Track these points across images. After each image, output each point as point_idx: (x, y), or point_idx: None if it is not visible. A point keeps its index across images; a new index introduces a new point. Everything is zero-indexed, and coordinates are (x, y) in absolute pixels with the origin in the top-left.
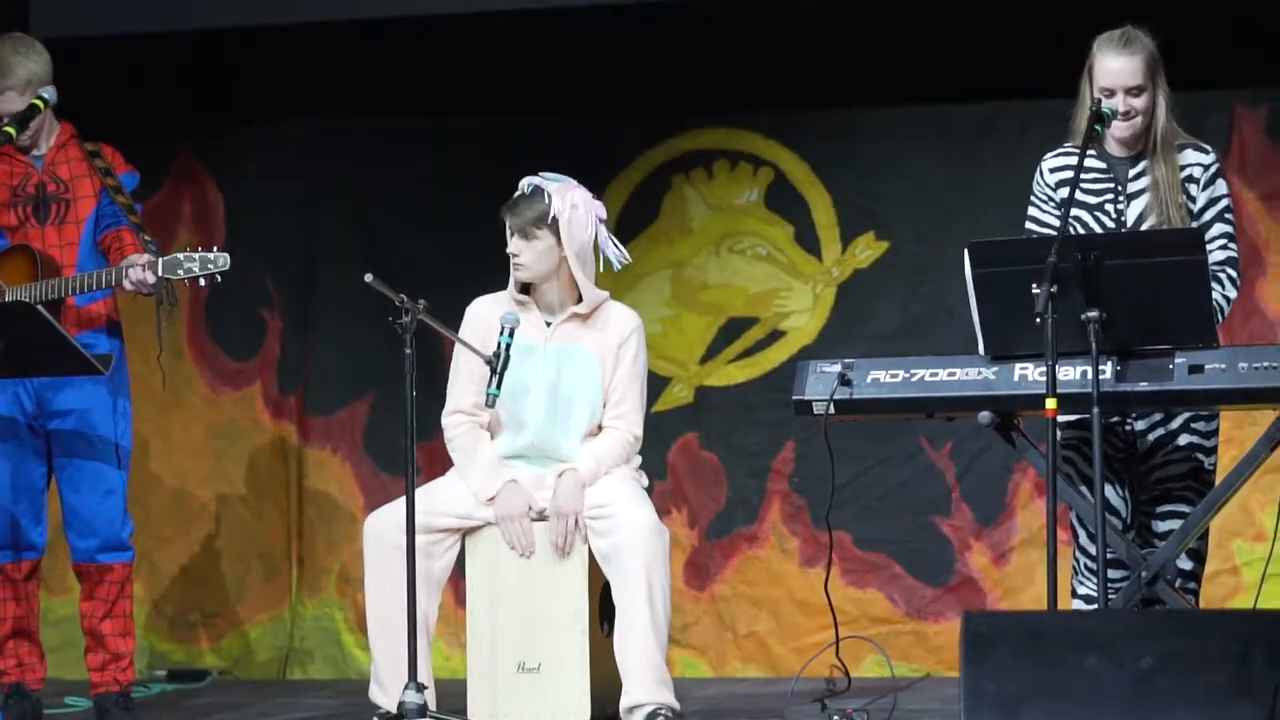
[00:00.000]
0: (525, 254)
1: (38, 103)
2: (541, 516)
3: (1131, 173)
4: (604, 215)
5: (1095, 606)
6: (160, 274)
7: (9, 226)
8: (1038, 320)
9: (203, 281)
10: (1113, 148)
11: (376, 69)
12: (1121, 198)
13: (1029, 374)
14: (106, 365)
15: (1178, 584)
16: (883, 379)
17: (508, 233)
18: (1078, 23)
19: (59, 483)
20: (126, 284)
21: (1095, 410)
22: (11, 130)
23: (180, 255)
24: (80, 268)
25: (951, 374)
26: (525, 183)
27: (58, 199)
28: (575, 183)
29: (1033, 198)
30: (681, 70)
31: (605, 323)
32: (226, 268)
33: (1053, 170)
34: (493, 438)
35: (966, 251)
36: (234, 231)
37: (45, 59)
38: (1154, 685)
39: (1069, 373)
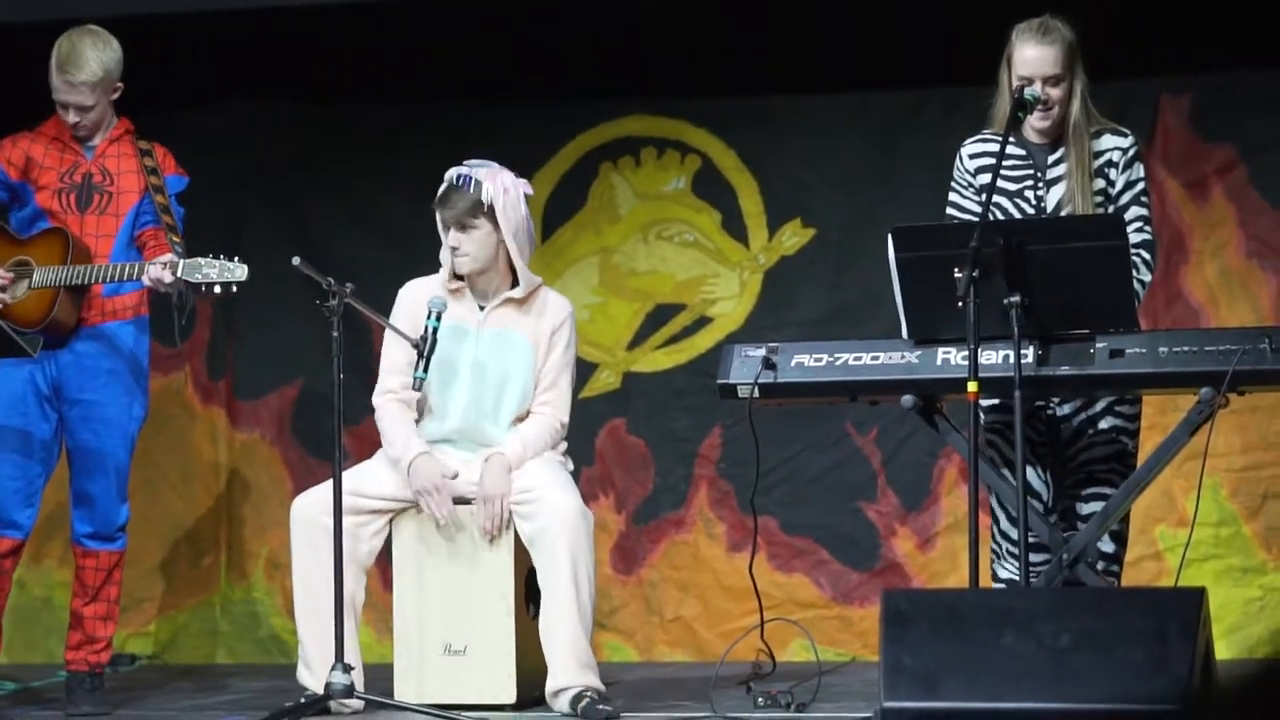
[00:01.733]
0: (465, 244)
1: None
2: (467, 500)
3: (1050, 159)
4: (530, 193)
5: None
6: (178, 275)
7: (50, 210)
8: (960, 305)
9: (218, 289)
10: (1031, 135)
11: (304, 55)
12: (1041, 184)
13: (951, 358)
14: (34, 348)
15: (1100, 567)
16: (807, 363)
17: (441, 226)
18: (1000, 10)
19: (72, 465)
20: (146, 280)
21: (1017, 394)
22: None
23: (202, 260)
24: (114, 259)
25: (875, 358)
26: (452, 173)
27: (102, 190)
28: (499, 165)
29: (953, 183)
30: (609, 57)
31: (541, 308)
32: (244, 279)
33: (972, 156)
34: (419, 422)
35: (890, 236)
36: None
37: (118, 53)
38: (1071, 662)
39: (991, 357)
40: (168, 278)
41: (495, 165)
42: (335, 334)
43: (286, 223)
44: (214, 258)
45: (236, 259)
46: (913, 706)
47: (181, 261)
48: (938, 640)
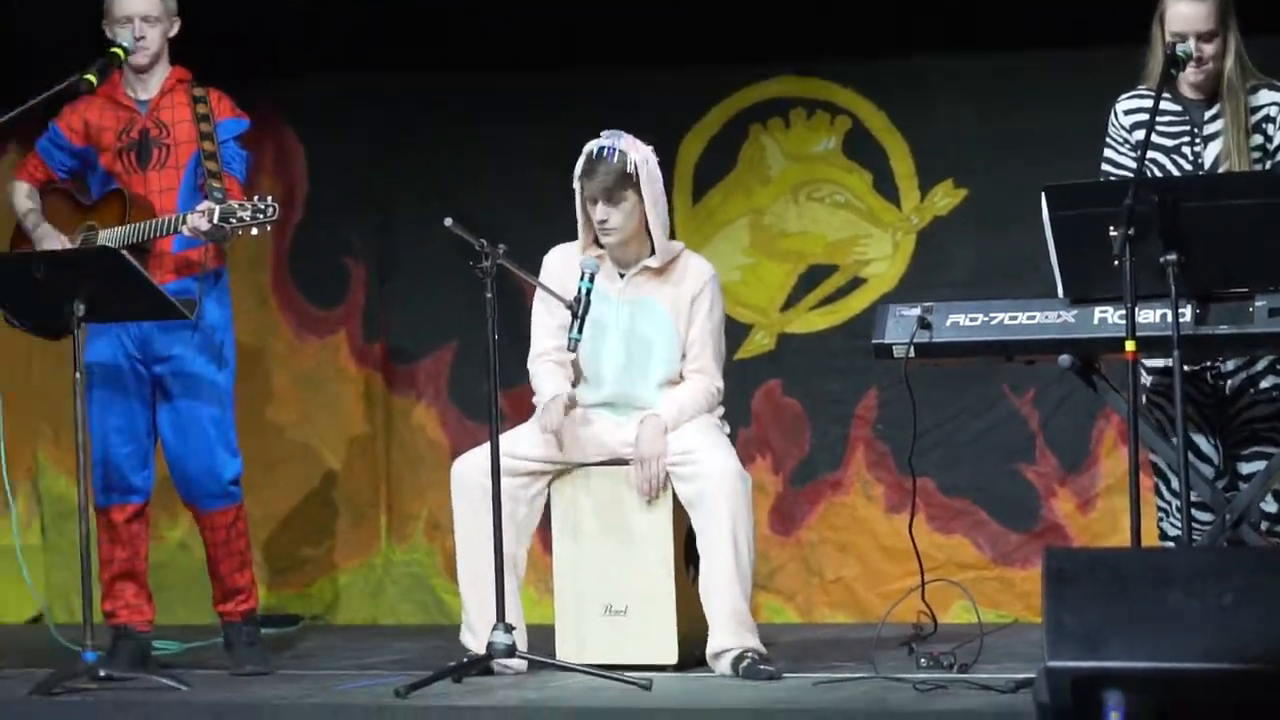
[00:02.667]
0: (613, 216)
1: (117, 51)
2: (624, 462)
3: (1207, 115)
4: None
5: None
6: (214, 221)
7: (114, 171)
8: (1115, 263)
9: (255, 231)
10: (1187, 91)
11: (453, 19)
12: (1198, 140)
13: (1109, 317)
14: (191, 310)
15: (1264, 527)
16: (962, 322)
17: (588, 199)
18: None
19: (160, 428)
20: (185, 230)
21: (1175, 353)
22: (92, 78)
23: (235, 204)
24: (179, 212)
25: (1031, 317)
26: (593, 145)
27: (159, 144)
28: (627, 134)
29: (1108, 139)
30: (758, 19)
31: (680, 276)
32: (276, 217)
33: (1127, 112)
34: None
35: (1044, 195)
36: (315, 180)
37: None
38: (1235, 621)
39: (1149, 315)
40: (204, 225)
41: (626, 133)
42: (489, 295)
43: (437, 186)
44: (246, 200)
45: (270, 198)
46: (1076, 666)
47: (217, 208)
48: (1101, 599)
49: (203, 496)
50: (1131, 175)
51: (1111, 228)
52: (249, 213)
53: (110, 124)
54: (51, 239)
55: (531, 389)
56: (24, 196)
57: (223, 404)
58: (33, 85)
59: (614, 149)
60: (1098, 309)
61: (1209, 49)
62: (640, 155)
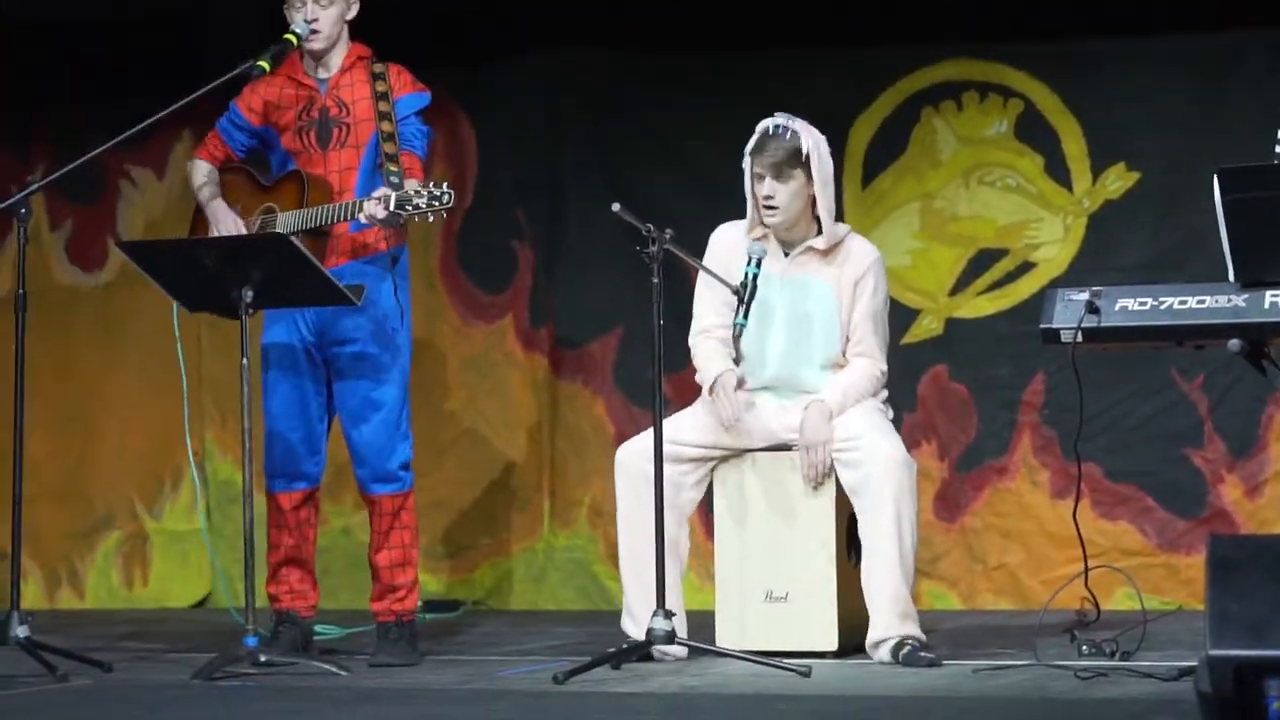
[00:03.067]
0: (780, 194)
1: (290, 38)
2: (788, 447)
3: None
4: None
5: None
6: (391, 209)
7: (294, 151)
8: None
9: (430, 218)
10: None
11: (626, 6)
12: None
13: None
14: (358, 296)
15: None
16: (1131, 307)
17: (756, 175)
18: None
19: (338, 410)
20: (361, 217)
21: None
22: (265, 64)
23: (412, 190)
24: (359, 192)
25: (1201, 301)
26: (767, 123)
27: (339, 123)
28: (802, 120)
29: None
30: (927, 1)
31: (845, 258)
32: (451, 204)
33: None
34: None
35: (1216, 177)
36: (485, 165)
37: None
38: None
39: None
40: (380, 213)
41: (803, 121)
42: (655, 280)
43: (603, 171)
44: (421, 186)
45: (446, 184)
46: (1240, 654)
47: (394, 195)
48: (1266, 587)
49: (370, 479)
50: None
51: None
52: (425, 199)
53: (290, 103)
54: (225, 217)
55: (693, 370)
56: (202, 174)
57: (397, 386)
58: (212, 68)
59: (788, 128)
60: (1269, 293)
61: None
62: (813, 139)
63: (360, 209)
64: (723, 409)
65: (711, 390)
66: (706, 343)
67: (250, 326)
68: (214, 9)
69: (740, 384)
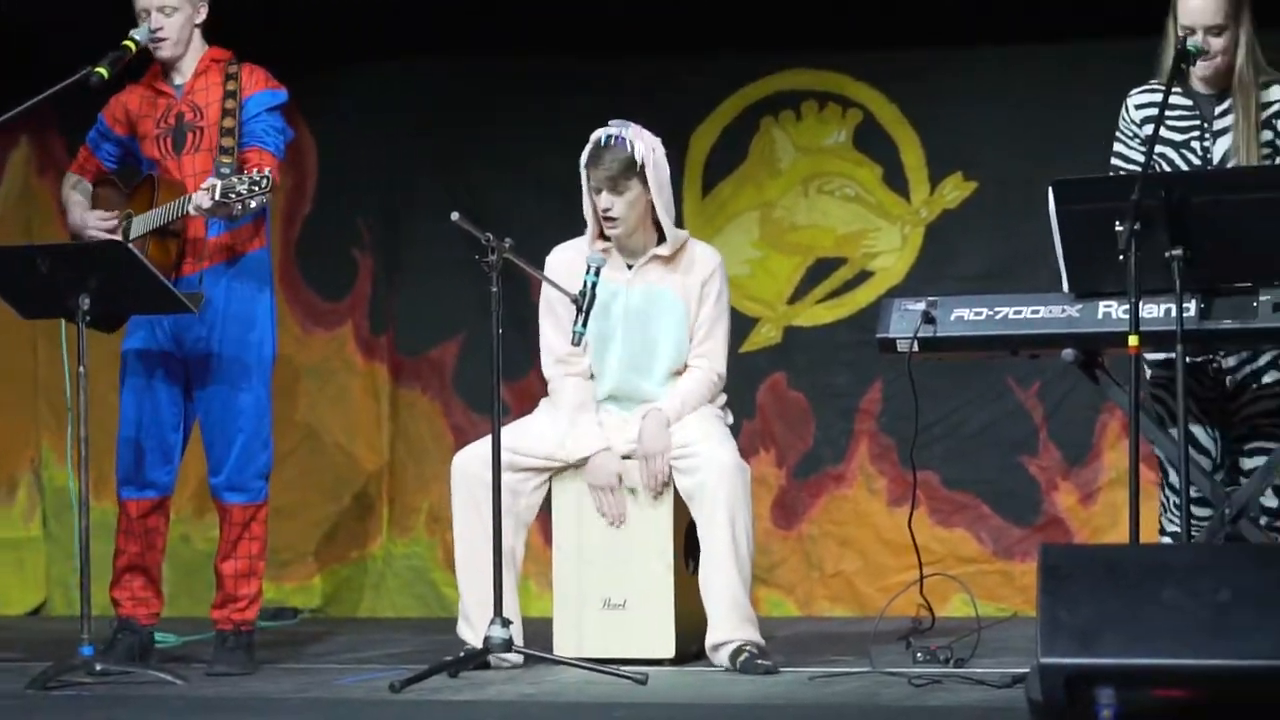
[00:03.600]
0: (618, 206)
1: (128, 44)
2: (627, 457)
3: (1218, 110)
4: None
5: None
6: (216, 198)
7: (154, 158)
8: (1121, 258)
9: (254, 204)
10: (1198, 85)
11: (463, 9)
12: (1208, 135)
13: (1113, 311)
14: (197, 304)
15: (1264, 522)
16: (967, 316)
17: (593, 188)
18: None
19: (198, 416)
20: (190, 209)
21: (1179, 348)
22: (103, 71)
23: (235, 179)
24: None
25: (1035, 311)
26: (600, 134)
27: (193, 127)
28: (635, 124)
29: (1118, 134)
30: (770, 11)
31: (689, 263)
32: (270, 188)
33: (1138, 107)
34: None
35: (1051, 189)
36: (326, 173)
37: None
38: (1230, 617)
39: (1153, 310)
40: (206, 202)
41: (633, 124)
42: (494, 289)
43: (447, 179)
44: (244, 174)
45: (267, 170)
46: (1070, 662)
47: (218, 184)
48: (1096, 595)
49: (224, 488)
50: (1171, 171)
51: (1117, 222)
52: (245, 186)
53: (149, 111)
54: (75, 210)
55: (533, 378)
56: (69, 187)
57: (255, 393)
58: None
59: (621, 137)
60: (1102, 303)
61: (1218, 42)
62: (646, 144)
63: (190, 202)
64: (608, 508)
65: (589, 462)
66: (562, 379)
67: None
68: (54, 16)
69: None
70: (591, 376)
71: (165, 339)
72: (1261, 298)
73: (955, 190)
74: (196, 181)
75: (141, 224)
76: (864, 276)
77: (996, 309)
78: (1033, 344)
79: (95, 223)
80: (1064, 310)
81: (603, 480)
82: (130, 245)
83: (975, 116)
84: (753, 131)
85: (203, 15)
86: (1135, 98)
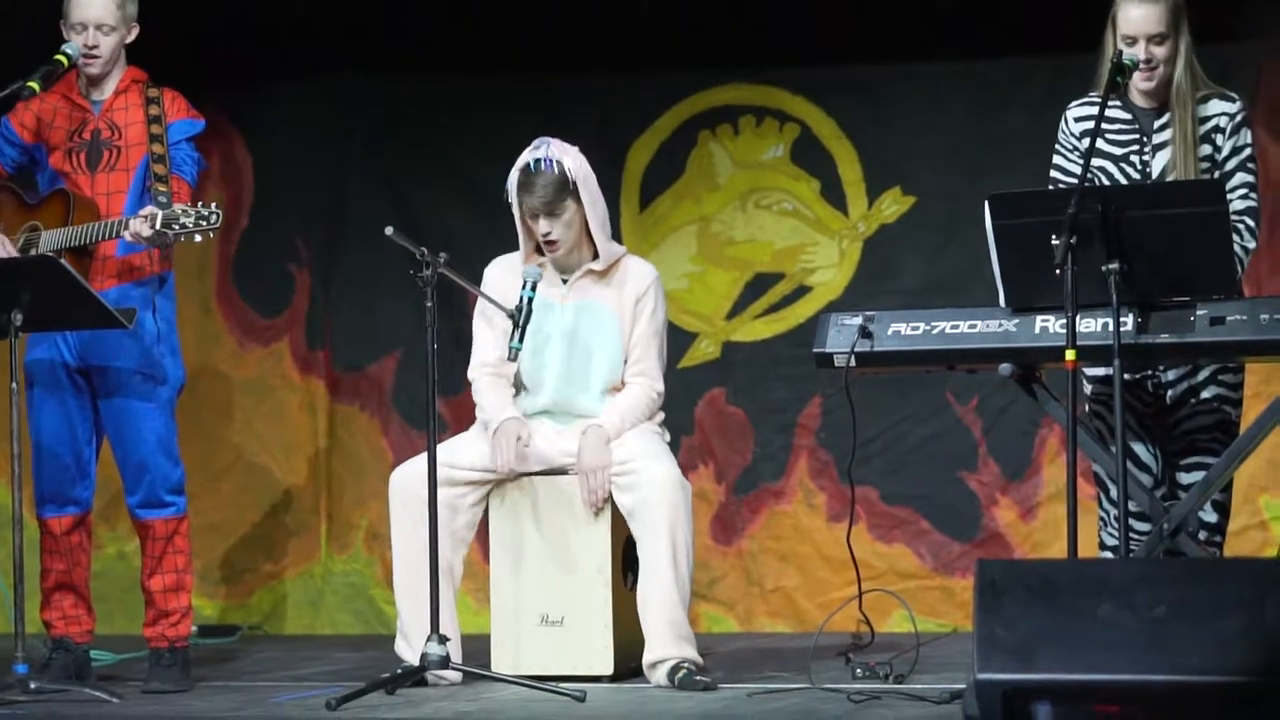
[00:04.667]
0: (556, 229)
1: (60, 58)
2: (564, 472)
3: (1157, 124)
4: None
5: None
6: (157, 228)
7: (63, 172)
8: (1058, 272)
9: (198, 238)
10: (1138, 99)
11: (401, 25)
12: (1147, 149)
13: (1050, 326)
14: (130, 319)
15: (1202, 537)
16: (904, 331)
17: (528, 212)
18: None
19: (106, 433)
20: (127, 235)
21: (1116, 362)
22: (35, 85)
23: (179, 209)
24: (126, 215)
25: (972, 326)
26: (528, 159)
27: (110, 145)
28: (559, 140)
29: (1057, 147)
30: (706, 26)
31: (623, 278)
32: (219, 225)
33: (1077, 120)
34: (515, 397)
35: (987, 204)
36: (262, 189)
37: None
38: (1167, 632)
39: (1090, 324)
40: (146, 231)
41: (554, 140)
42: (429, 304)
43: (385, 194)
44: (190, 205)
45: (214, 204)
46: (1007, 678)
47: (161, 213)
48: (1032, 611)
49: (140, 505)
50: (1106, 185)
51: (1054, 236)
52: (192, 219)
53: (62, 123)
54: None
55: (471, 399)
56: None
57: (163, 410)
58: None
59: (549, 160)
60: (1039, 318)
61: (1159, 52)
62: (574, 161)
63: (126, 227)
64: (500, 455)
65: (494, 433)
66: (485, 378)
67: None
68: None
69: (524, 438)
70: (516, 388)
71: (69, 353)
72: (1199, 311)
73: (893, 205)
74: (108, 201)
75: (56, 239)
76: (802, 291)
77: (933, 324)
78: (970, 359)
79: None
80: (1001, 325)
81: (501, 439)
82: (64, 261)
83: (913, 132)
84: (690, 146)
85: (134, 35)
86: (1074, 110)
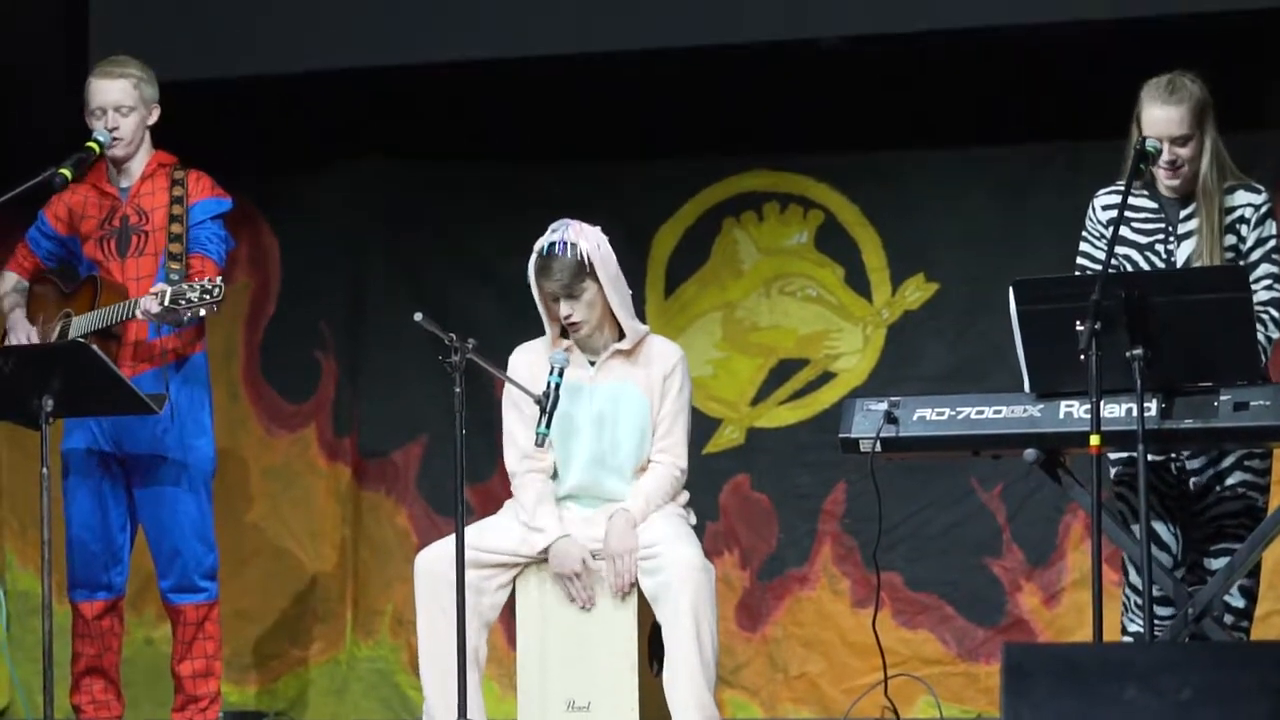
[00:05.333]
0: (577, 310)
1: (92, 146)
2: (593, 556)
3: (1182, 213)
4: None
5: None
6: (166, 303)
7: (96, 260)
8: (1082, 357)
9: (203, 312)
10: (1164, 188)
11: (424, 113)
12: (1172, 238)
13: (1074, 411)
14: (160, 404)
15: (1229, 622)
16: (929, 417)
17: (549, 296)
18: (1125, 63)
19: (140, 518)
20: (138, 313)
21: (1140, 448)
22: (67, 173)
23: (185, 285)
24: None
25: (997, 411)
26: (543, 243)
27: (138, 231)
28: (575, 221)
29: (1085, 234)
30: (730, 113)
31: (649, 357)
32: (221, 298)
33: (1105, 208)
34: None
35: (1011, 289)
36: (289, 274)
37: (155, 81)
38: (1193, 716)
39: (1114, 410)
40: (155, 307)
41: (572, 221)
42: (457, 390)
43: (409, 280)
44: (194, 281)
45: (218, 280)
46: None
47: (168, 289)
48: (1059, 695)
49: (172, 589)
50: (1131, 271)
51: (1078, 322)
52: (196, 294)
53: (93, 212)
54: (19, 326)
55: (497, 487)
56: (6, 285)
57: (198, 495)
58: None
59: (564, 243)
60: (1064, 403)
61: (1184, 152)
62: (591, 242)
63: (137, 305)
64: (579, 593)
65: (550, 550)
66: (528, 475)
67: (49, 435)
68: (16, 119)
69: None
70: (555, 474)
71: (104, 439)
72: (1222, 397)
73: (917, 291)
74: (139, 286)
75: (83, 324)
76: (826, 377)
77: (959, 409)
78: (995, 444)
79: (24, 336)
80: (1025, 410)
81: (567, 567)
82: (94, 346)
83: (936, 218)
84: (715, 232)
85: (154, 117)
86: (1102, 198)
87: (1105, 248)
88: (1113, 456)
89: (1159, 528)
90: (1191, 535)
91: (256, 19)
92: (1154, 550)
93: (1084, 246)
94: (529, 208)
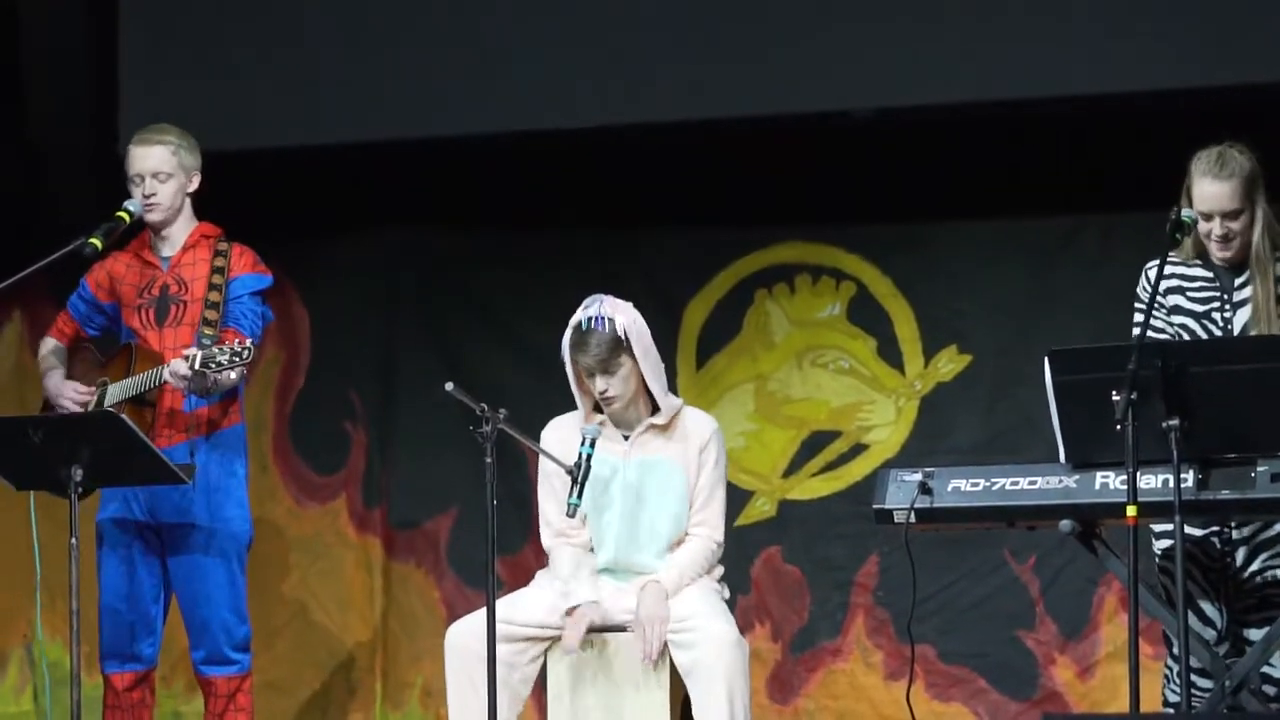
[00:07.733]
0: (613, 386)
1: (122, 215)
2: (622, 628)
3: (1237, 281)
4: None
5: None
6: (196, 367)
7: (134, 328)
8: (1118, 428)
9: (233, 375)
10: (1216, 259)
11: (453, 182)
12: (1228, 306)
13: (1110, 482)
14: (190, 475)
15: (1272, 693)
16: (963, 488)
17: (584, 370)
18: (1161, 133)
19: (174, 589)
20: (168, 377)
21: (1177, 518)
22: (97, 242)
23: (215, 349)
24: None
25: (1032, 483)
26: (580, 318)
27: (177, 300)
28: (609, 296)
29: (1137, 305)
30: (762, 184)
31: (685, 431)
32: (250, 359)
33: (1158, 278)
34: None
35: (1047, 359)
36: (319, 345)
37: (196, 146)
38: None
39: (1150, 480)
40: (184, 370)
41: (606, 297)
42: (489, 460)
43: (438, 349)
44: (224, 344)
45: (249, 342)
46: None
47: (198, 354)
48: None
49: (204, 661)
50: (1166, 340)
51: (1114, 392)
52: (226, 356)
53: (134, 280)
54: (55, 385)
55: (529, 558)
56: (47, 352)
57: (229, 565)
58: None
59: (601, 318)
60: (1099, 474)
61: (1235, 226)
62: (627, 318)
63: (166, 369)
64: (568, 637)
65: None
66: (566, 548)
67: (81, 504)
68: (47, 186)
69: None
70: (590, 548)
71: (140, 510)
72: (1259, 468)
73: (950, 363)
74: (175, 355)
75: (117, 391)
76: (859, 449)
77: (994, 480)
78: (1030, 515)
79: (71, 394)
80: (1061, 481)
81: (573, 634)
82: (124, 416)
83: (969, 289)
84: (747, 304)
85: (195, 184)
86: (1152, 270)
87: (1163, 318)
88: (1156, 530)
89: (1203, 604)
90: (1234, 607)
91: (290, 91)
92: (1198, 626)
93: (1137, 316)
94: (560, 278)
